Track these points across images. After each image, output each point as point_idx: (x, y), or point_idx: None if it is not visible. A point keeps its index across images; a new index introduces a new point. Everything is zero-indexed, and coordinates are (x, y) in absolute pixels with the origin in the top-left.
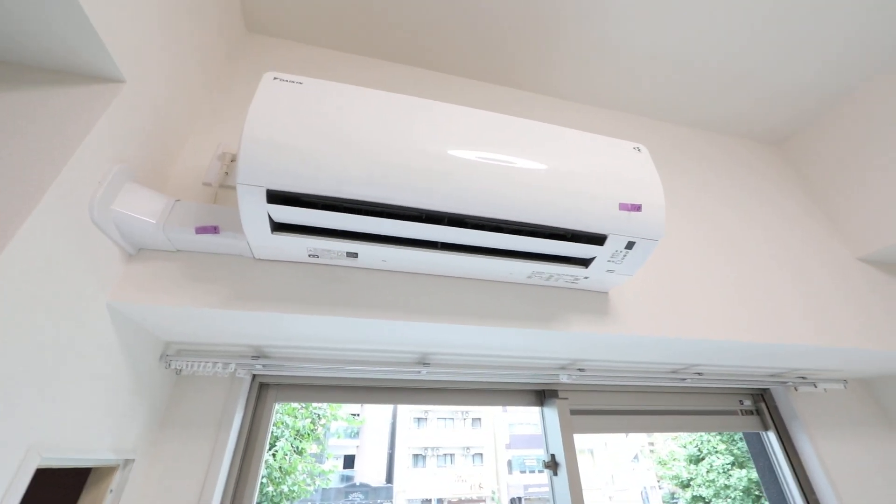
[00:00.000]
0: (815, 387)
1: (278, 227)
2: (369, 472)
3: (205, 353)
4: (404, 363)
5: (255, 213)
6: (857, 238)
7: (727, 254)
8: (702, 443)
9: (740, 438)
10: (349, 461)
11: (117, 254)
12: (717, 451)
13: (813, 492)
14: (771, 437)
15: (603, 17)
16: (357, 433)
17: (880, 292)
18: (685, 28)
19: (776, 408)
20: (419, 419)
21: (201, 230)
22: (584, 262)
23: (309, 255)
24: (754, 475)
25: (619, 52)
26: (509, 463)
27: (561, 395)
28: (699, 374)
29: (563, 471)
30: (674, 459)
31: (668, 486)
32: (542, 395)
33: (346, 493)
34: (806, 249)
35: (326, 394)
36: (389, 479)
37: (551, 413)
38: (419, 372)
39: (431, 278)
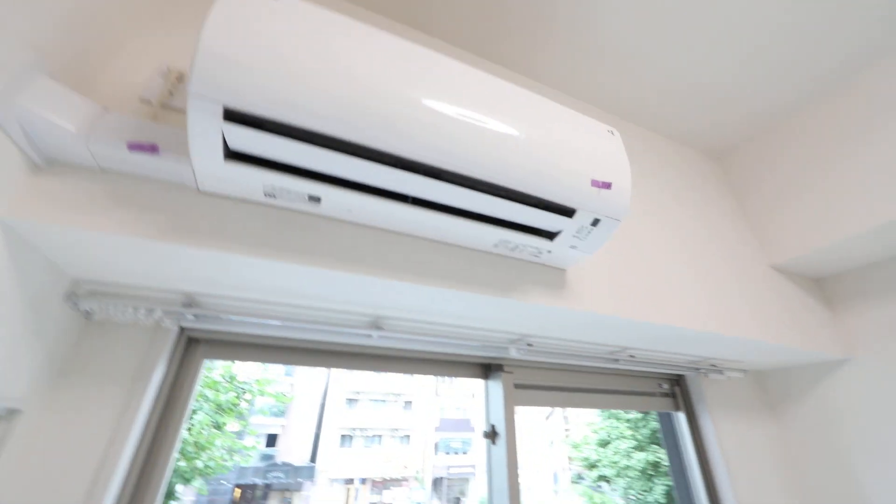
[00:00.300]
0: (722, 374)
1: (233, 155)
2: (294, 450)
3: (124, 297)
4: (356, 325)
5: (207, 132)
6: (770, 247)
7: (677, 248)
8: (611, 429)
9: (644, 426)
10: (272, 440)
11: (19, 161)
12: (623, 436)
13: (708, 465)
14: (680, 418)
15: (594, 14)
16: (283, 412)
17: (797, 298)
18: (670, 39)
19: (688, 391)
20: (351, 400)
21: (136, 147)
22: (550, 236)
23: (265, 195)
24: (651, 457)
25: (605, 50)
26: (436, 445)
27: (506, 369)
28: (632, 356)
29: (501, 440)
30: (586, 443)
31: (578, 468)
32: (487, 369)
33: (266, 472)
34: (743, 251)
35: (265, 354)
36: (314, 458)
37: (496, 386)
38: (370, 336)
39: (398, 237)
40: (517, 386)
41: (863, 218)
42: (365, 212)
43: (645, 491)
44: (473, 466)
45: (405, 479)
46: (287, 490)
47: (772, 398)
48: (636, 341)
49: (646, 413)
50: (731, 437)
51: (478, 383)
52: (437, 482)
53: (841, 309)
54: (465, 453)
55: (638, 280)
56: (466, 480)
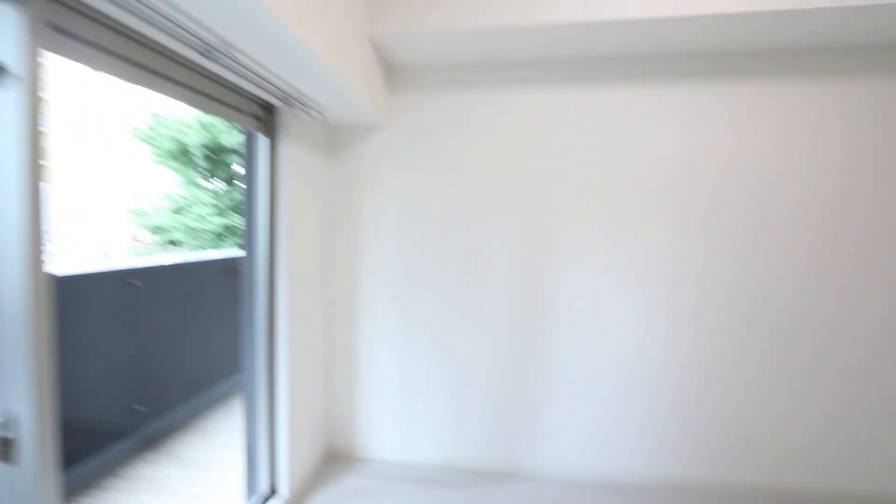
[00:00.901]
0: (308, 112)
1: None
2: None
3: None
4: None
5: None
6: (375, 22)
7: None
8: (189, 196)
9: (226, 193)
10: None
11: None
12: (202, 202)
13: (276, 182)
14: (264, 142)
15: None
16: None
17: (373, 69)
18: None
19: (276, 122)
20: None
21: None
22: None
23: None
24: (228, 222)
25: None
26: None
27: None
28: (235, 59)
29: (14, 82)
30: (157, 213)
31: (143, 238)
32: None
33: None
34: (354, 14)
35: None
36: None
37: (8, 8)
38: None
39: None
40: (55, 28)
41: (431, 23)
42: None
43: (214, 248)
44: None
45: None
46: None
47: (335, 146)
48: (250, 37)
49: (230, 185)
50: (298, 164)
51: None
52: None
53: (395, 92)
54: None
55: None
56: None
